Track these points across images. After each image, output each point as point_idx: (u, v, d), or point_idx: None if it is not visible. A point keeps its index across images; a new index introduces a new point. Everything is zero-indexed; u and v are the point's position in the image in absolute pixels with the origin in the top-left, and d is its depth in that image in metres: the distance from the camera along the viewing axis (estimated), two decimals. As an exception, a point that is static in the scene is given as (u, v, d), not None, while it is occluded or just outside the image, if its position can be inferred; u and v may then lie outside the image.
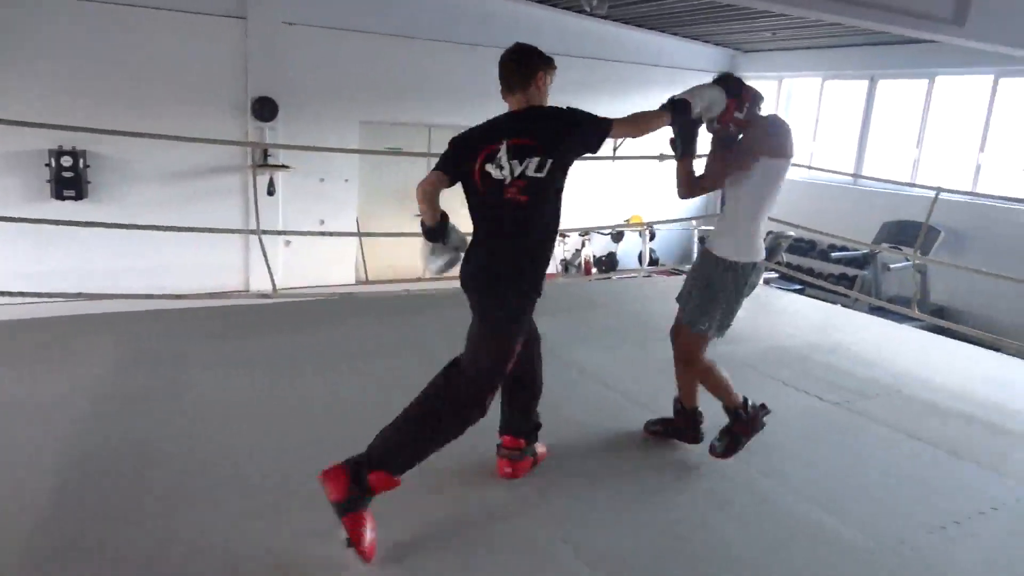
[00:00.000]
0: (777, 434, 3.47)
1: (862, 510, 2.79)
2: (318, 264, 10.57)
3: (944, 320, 9.46)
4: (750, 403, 3.01)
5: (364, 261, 11.27)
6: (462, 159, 2.61)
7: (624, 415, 3.54)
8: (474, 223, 2.68)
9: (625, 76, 12.16)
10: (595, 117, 2.62)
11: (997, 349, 5.71)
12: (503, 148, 2.53)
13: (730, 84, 2.87)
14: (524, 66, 2.65)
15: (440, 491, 2.73)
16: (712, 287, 2.89)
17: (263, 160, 9.80)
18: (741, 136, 2.87)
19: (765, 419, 3.04)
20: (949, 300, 9.84)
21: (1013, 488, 3.03)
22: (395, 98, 10.65)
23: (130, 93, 8.82)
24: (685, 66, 12.62)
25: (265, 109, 9.60)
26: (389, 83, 10.56)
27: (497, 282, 2.61)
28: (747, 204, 2.85)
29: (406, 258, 11.64)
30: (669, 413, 3.28)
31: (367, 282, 11.28)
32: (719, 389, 3.01)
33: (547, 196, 2.60)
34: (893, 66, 10.83)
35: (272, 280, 4.85)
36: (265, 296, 4.82)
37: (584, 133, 2.61)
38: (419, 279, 11.82)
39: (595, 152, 2.70)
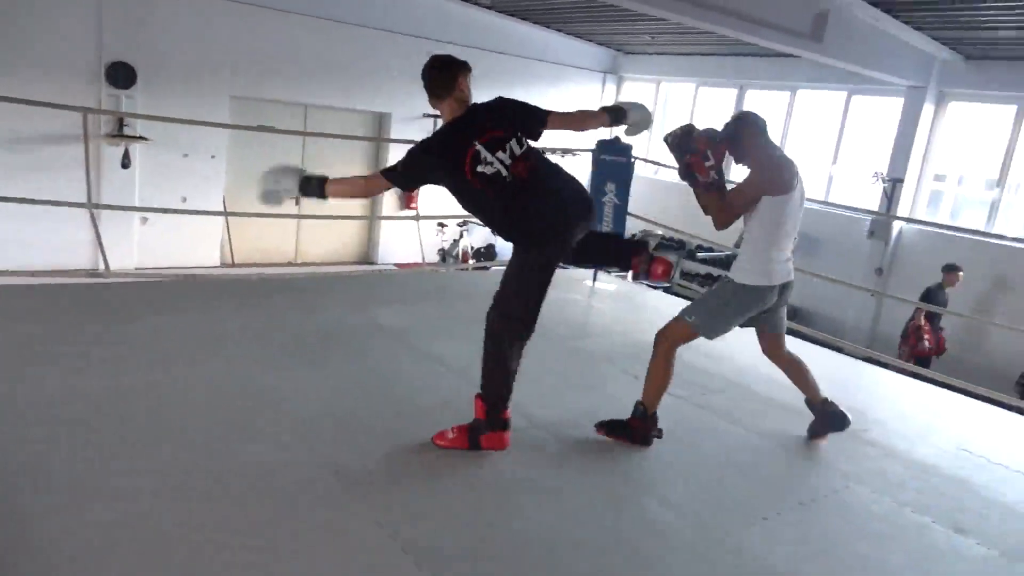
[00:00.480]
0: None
1: (695, 503, 2.87)
2: (180, 244, 9.96)
3: (797, 321, 10.14)
4: (657, 420, 3.23)
5: (230, 242, 10.72)
6: (437, 177, 2.93)
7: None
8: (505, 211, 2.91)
9: (509, 68, 12.14)
10: (533, 106, 3.00)
11: (839, 349, 6.10)
12: (480, 149, 2.80)
13: (692, 139, 3.11)
14: (445, 74, 2.95)
15: (268, 490, 2.58)
16: (719, 296, 3.26)
17: (118, 130, 9.10)
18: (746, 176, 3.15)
19: (653, 440, 3.22)
20: (803, 302, 10.49)
21: (832, 480, 3.20)
22: (269, 74, 10.17)
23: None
24: (570, 63, 12.79)
25: (121, 75, 8.90)
26: (264, 58, 10.07)
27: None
28: (757, 236, 3.15)
29: (276, 240, 11.19)
30: (525, 406, 3.26)
31: (232, 264, 10.75)
32: (654, 380, 3.22)
33: (538, 161, 2.90)
34: (759, 77, 11.41)
35: (104, 258, 4.44)
36: (97, 276, 4.40)
37: (528, 115, 2.97)
38: (289, 263, 11.42)
39: (536, 140, 2.97)
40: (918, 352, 7.97)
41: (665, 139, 3.20)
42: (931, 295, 7.95)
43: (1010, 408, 4.60)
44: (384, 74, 11.07)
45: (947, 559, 2.72)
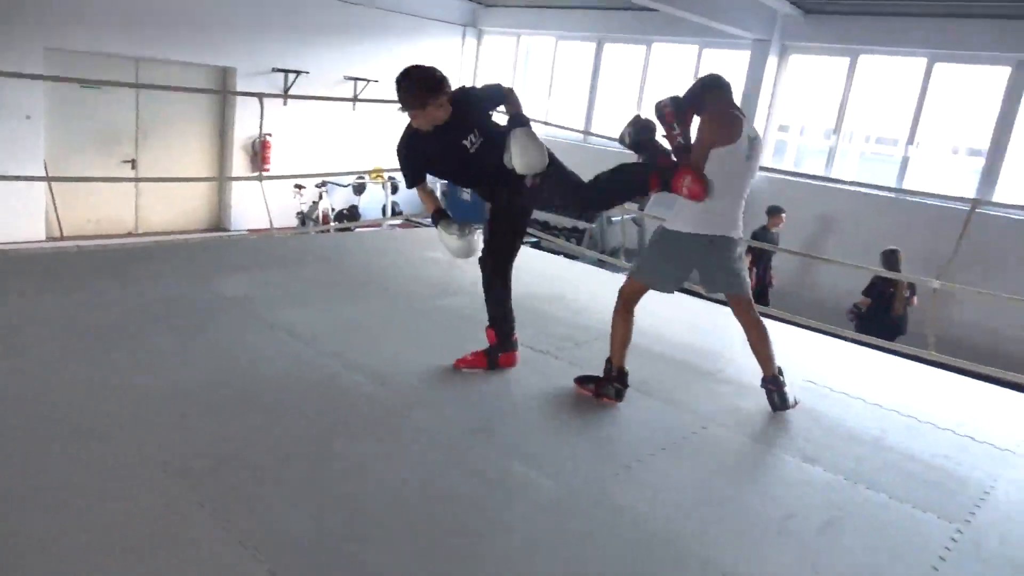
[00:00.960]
0: (485, 385, 3.42)
1: (557, 459, 2.80)
2: (-6, 216, 8.87)
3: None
4: (626, 376, 3.34)
5: (56, 213, 9.67)
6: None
7: (326, 375, 3.27)
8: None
9: (365, 21, 11.60)
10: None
11: (698, 295, 6.29)
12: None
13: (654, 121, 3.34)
14: (417, 98, 3.13)
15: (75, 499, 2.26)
16: (650, 244, 3.38)
17: (-96, 86, 7.88)
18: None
19: (623, 394, 3.33)
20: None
21: (690, 422, 3.24)
22: (92, 23, 9.12)
23: None
24: (427, 15, 12.35)
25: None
26: (83, 2, 9.01)
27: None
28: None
29: (111, 209, 10.22)
30: (375, 367, 3.06)
31: (61, 238, 9.72)
32: (614, 337, 3.36)
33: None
34: (617, 30, 11.50)
35: None
36: None
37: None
38: (129, 234, 10.47)
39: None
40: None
41: (622, 140, 3.42)
42: (756, 237, 8.41)
43: (846, 339, 4.90)
44: (227, 24, 10.24)
45: (798, 487, 2.81)
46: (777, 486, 2.82)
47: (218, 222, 11.37)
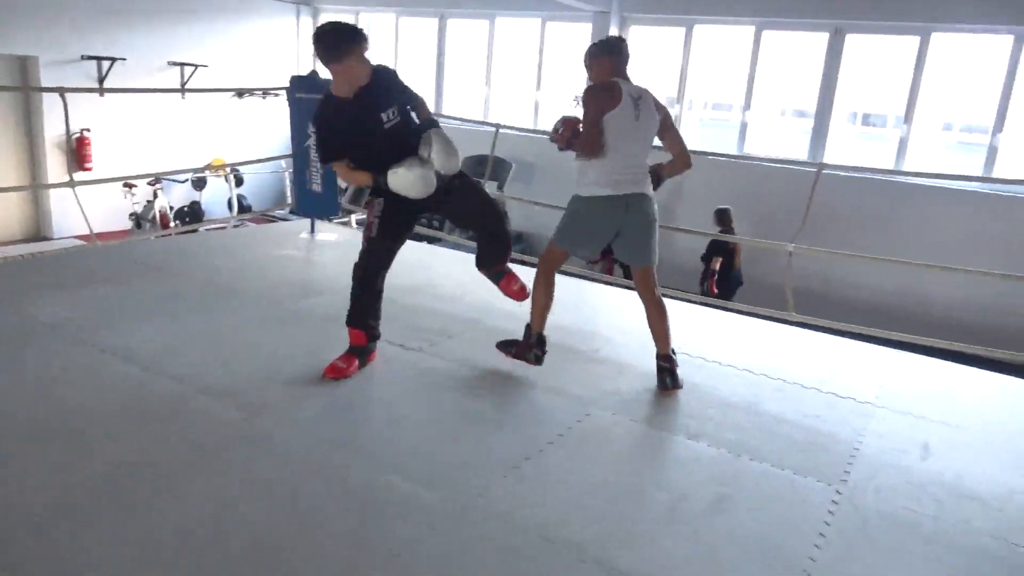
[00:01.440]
0: (352, 392, 3.18)
1: (439, 467, 2.62)
2: None
3: (523, 244, 10.47)
4: (545, 341, 3.46)
5: None
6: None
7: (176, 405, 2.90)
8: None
9: (187, 2, 10.67)
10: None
11: (565, 273, 6.28)
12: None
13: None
14: (335, 48, 3.02)
15: None
16: (567, 213, 3.40)
17: None
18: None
19: (542, 359, 3.43)
20: (526, 226, 10.83)
21: (573, 411, 3.16)
22: None
23: None
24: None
25: None
26: None
27: None
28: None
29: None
30: (239, 388, 2.73)
31: None
32: (535, 303, 3.44)
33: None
34: (459, 5, 11.26)
35: None
36: None
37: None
38: (15, 242, 9.13)
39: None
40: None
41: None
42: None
43: (712, 307, 5.04)
44: (24, 6, 9.05)
45: (686, 467, 2.79)
46: (666, 469, 2.79)
47: (37, 230, 10.18)
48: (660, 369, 3.41)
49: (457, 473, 2.59)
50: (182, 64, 10.76)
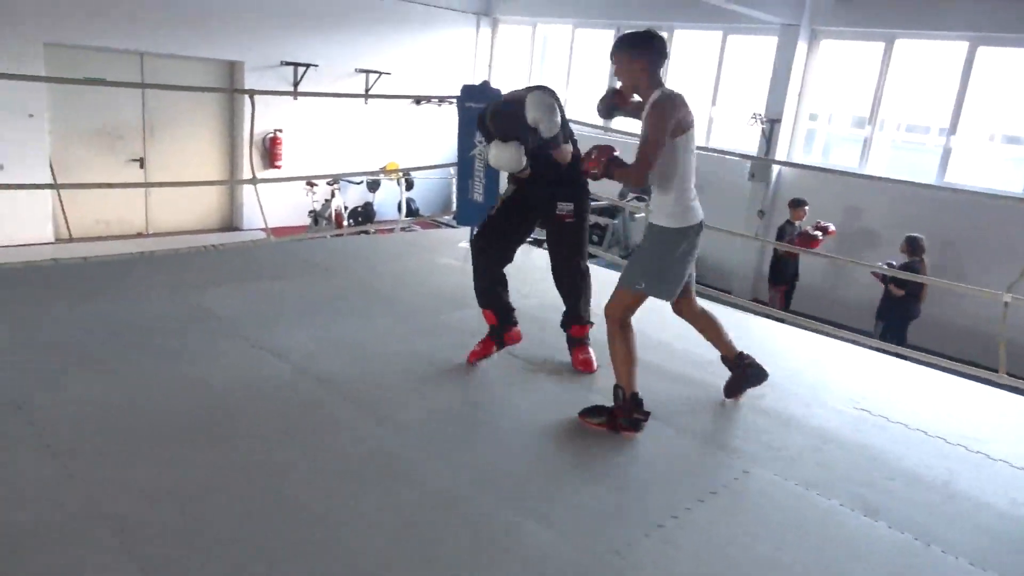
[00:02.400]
0: (493, 419, 3.05)
1: (571, 511, 2.42)
2: (2, 218, 8.63)
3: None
4: (641, 402, 2.96)
5: (64, 214, 9.43)
6: None
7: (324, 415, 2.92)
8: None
9: (376, 12, 11.21)
10: None
11: (721, 301, 5.88)
12: None
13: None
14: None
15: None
16: (656, 248, 2.97)
17: None
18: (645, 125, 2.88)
19: (641, 425, 2.95)
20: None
21: (730, 464, 2.84)
22: (94, 17, 8.83)
23: None
24: (439, 4, 11.95)
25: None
26: (84, -1, 8.73)
27: None
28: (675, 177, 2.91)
29: (121, 209, 9.96)
30: (374, 400, 2.70)
31: (69, 239, 9.49)
32: (619, 360, 2.96)
33: None
34: (636, 17, 11.00)
35: None
36: None
37: None
38: (139, 235, 10.21)
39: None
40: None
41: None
42: (782, 231, 8.36)
43: (891, 354, 4.46)
44: (234, 17, 9.91)
45: (861, 552, 2.40)
46: (835, 551, 2.40)
47: (230, 221, 11.10)
48: (739, 372, 3.26)
49: (595, 523, 2.38)
50: (367, 71, 11.33)
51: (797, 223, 8.32)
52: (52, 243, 9.27)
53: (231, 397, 2.98)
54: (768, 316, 5.46)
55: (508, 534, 2.29)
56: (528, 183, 3.40)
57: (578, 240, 3.48)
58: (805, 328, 4.81)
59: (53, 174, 8.95)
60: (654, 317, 3.41)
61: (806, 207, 8.34)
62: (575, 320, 3.55)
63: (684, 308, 3.21)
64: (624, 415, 2.93)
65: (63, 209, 9.40)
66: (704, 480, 2.71)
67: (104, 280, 4.31)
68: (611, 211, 10.28)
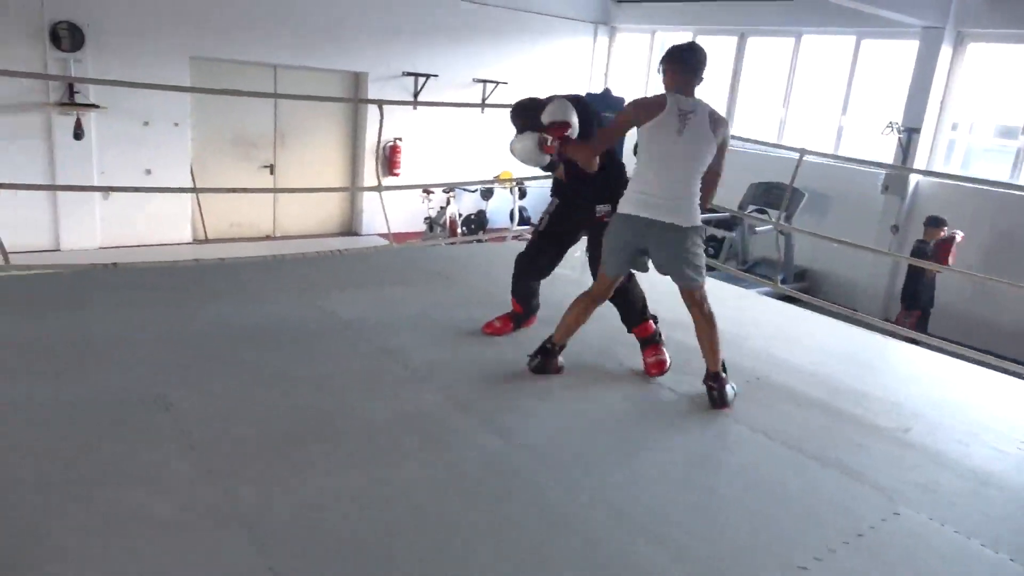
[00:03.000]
0: (605, 434, 2.95)
1: (711, 549, 2.28)
2: (147, 219, 9.30)
3: (806, 282, 9.56)
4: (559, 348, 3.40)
5: (202, 216, 10.05)
6: None
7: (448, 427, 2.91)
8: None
9: (494, 22, 11.33)
10: None
11: (854, 321, 5.52)
12: None
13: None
14: None
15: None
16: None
17: (68, 97, 8.37)
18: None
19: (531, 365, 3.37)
20: (812, 262, 9.89)
21: (876, 504, 2.61)
22: (233, 32, 9.38)
23: None
24: (559, 14, 11.96)
25: (68, 37, 8.14)
26: (225, 15, 9.27)
27: None
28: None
29: (251, 213, 10.51)
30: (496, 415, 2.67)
31: (205, 240, 10.10)
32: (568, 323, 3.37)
33: None
34: (762, 23, 10.62)
35: (3, 251, 3.76)
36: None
37: None
38: (267, 237, 10.74)
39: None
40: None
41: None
42: (917, 251, 7.78)
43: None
44: (359, 30, 10.28)
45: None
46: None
47: (350, 226, 11.50)
48: (708, 388, 3.21)
49: (728, 561, 2.23)
50: (485, 81, 11.47)
51: (932, 243, 7.75)
52: (190, 243, 9.90)
53: (358, 401, 3.02)
54: (904, 338, 5.08)
55: (637, 567, 2.18)
56: (569, 193, 3.60)
57: None
58: (949, 353, 4.42)
59: (193, 179, 9.55)
60: (793, 345, 3.20)
61: (944, 228, 7.73)
62: (633, 321, 3.58)
63: (687, 305, 3.23)
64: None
65: (201, 212, 10.01)
66: (850, 520, 2.50)
67: (239, 281, 4.52)
68: (728, 223, 9.93)
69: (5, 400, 2.73)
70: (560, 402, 3.22)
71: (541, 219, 3.73)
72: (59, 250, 8.94)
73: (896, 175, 8.96)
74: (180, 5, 8.92)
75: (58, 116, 8.39)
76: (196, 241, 10.04)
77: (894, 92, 9.32)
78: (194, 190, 9.29)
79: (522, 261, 3.75)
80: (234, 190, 9.12)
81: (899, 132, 9.00)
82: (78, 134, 8.40)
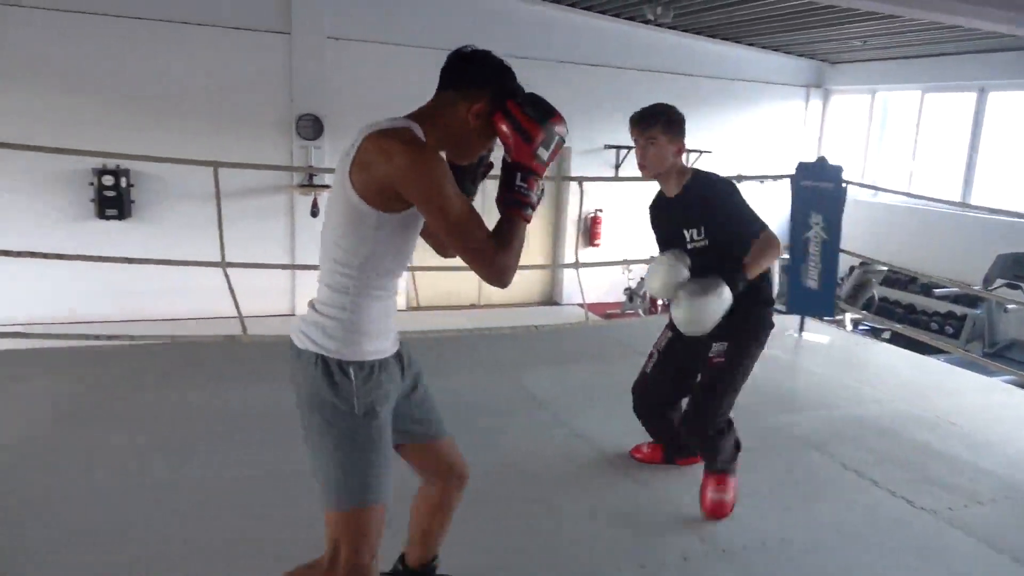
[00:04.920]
0: (837, 553, 2.59)
1: None
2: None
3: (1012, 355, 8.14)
4: None
5: (415, 284, 10.72)
6: None
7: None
8: None
9: (703, 93, 11.20)
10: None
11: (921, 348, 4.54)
12: None
13: None
14: None
15: None
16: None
17: (308, 180, 9.43)
18: None
19: None
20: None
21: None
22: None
23: (173, 111, 8.62)
24: (769, 80, 11.61)
25: (310, 127, 9.24)
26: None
27: None
28: None
29: (457, 281, 11.04)
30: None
31: (417, 307, 10.74)
32: None
33: None
34: (1005, 75, 9.51)
35: (241, 321, 4.20)
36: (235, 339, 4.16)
37: None
38: (472, 306, 11.22)
39: None
40: None
41: None
42: None
43: None
44: (563, 106, 10.60)
45: None
46: None
47: (550, 295, 11.70)
48: None
49: None
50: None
51: None
52: (404, 310, 10.58)
53: (547, 483, 2.94)
54: None
55: None
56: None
57: (723, 387, 2.76)
58: None
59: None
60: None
61: None
62: (686, 453, 3.09)
63: None
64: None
65: (415, 282, 10.70)
66: None
67: (441, 354, 4.68)
68: (971, 299, 8.78)
69: (254, 468, 2.97)
70: (757, 512, 2.90)
71: (651, 353, 3.09)
72: (293, 315, 9.95)
73: None
74: (401, 94, 9.53)
75: (299, 196, 9.46)
76: (409, 308, 10.72)
77: None
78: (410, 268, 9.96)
79: (635, 399, 3.11)
80: (442, 268, 9.69)
81: None
82: (314, 212, 9.40)
